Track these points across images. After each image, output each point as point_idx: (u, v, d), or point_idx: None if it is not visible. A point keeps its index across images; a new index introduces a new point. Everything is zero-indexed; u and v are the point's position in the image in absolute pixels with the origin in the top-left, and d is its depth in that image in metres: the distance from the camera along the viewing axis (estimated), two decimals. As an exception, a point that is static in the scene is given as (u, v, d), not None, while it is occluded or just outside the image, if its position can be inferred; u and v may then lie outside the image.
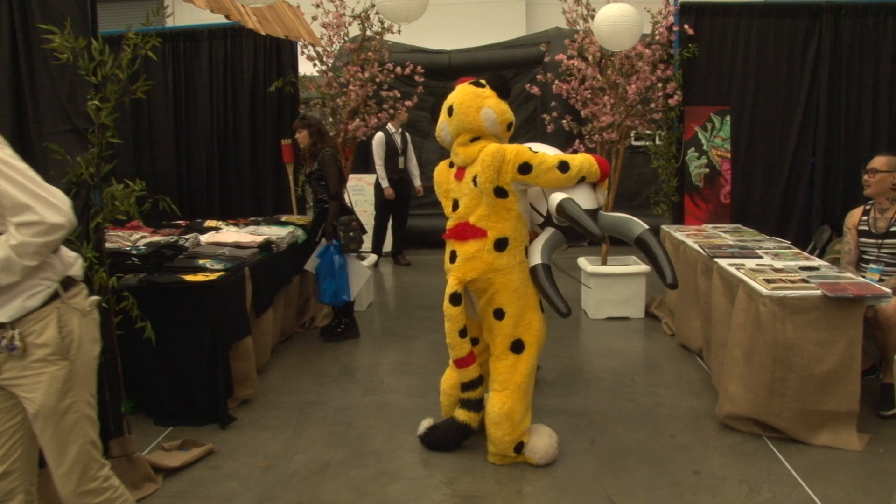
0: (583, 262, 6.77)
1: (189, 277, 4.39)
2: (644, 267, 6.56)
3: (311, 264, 5.93)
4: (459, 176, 3.84)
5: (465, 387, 3.95)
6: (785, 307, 3.77)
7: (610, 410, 4.52)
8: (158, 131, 7.05)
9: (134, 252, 4.62)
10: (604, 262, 6.70)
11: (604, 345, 5.89)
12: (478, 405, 3.96)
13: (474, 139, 3.77)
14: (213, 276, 4.41)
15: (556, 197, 3.68)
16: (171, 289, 4.33)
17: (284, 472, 3.81)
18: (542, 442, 3.86)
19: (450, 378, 4.14)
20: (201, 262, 4.68)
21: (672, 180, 6.74)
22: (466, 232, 3.76)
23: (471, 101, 3.73)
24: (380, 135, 8.68)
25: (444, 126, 3.85)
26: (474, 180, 3.71)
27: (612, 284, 6.53)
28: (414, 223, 9.58)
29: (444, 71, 10.21)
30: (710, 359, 4.91)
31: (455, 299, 3.74)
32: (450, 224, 3.89)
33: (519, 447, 3.81)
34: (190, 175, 7.08)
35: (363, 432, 4.29)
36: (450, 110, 3.80)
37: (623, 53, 6.23)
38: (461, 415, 3.97)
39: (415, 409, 4.58)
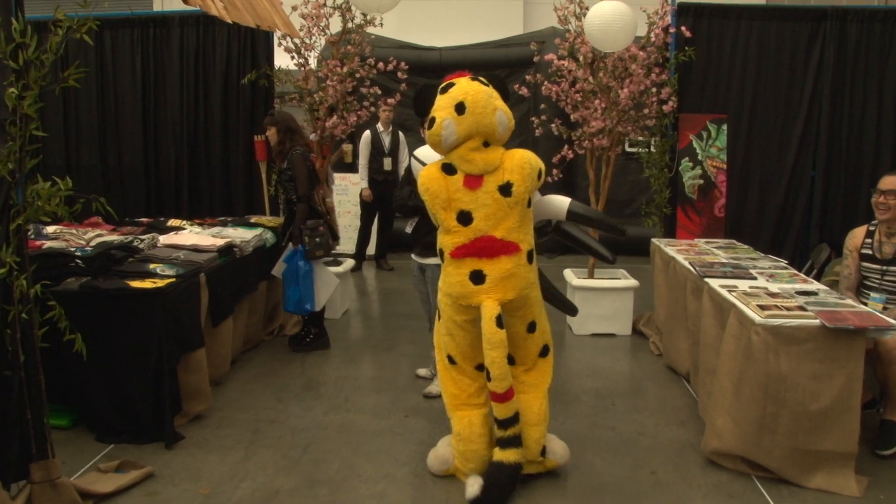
0: (569, 274, 6.44)
1: (135, 284, 4.04)
2: (633, 282, 6.23)
3: (278, 269, 5.59)
4: (473, 185, 3.36)
5: (507, 423, 3.42)
6: (779, 337, 3.43)
7: (587, 439, 4.19)
8: (125, 122, 6.71)
9: (78, 254, 4.26)
10: (590, 276, 6.38)
11: (586, 363, 5.56)
12: (520, 439, 3.48)
13: (485, 144, 3.38)
14: (161, 283, 4.07)
15: (564, 202, 3.71)
16: (115, 295, 4.00)
17: (226, 502, 3.47)
18: (557, 444, 3.75)
19: (474, 422, 3.58)
20: (152, 266, 4.34)
21: (664, 191, 6.40)
22: (495, 248, 3.36)
23: (486, 100, 3.34)
24: (366, 133, 8.43)
25: (448, 125, 3.31)
26: (503, 190, 3.34)
27: (598, 299, 6.20)
28: (400, 226, 9.20)
29: (433, 68, 9.85)
30: (697, 385, 4.58)
31: (500, 322, 3.35)
32: (460, 240, 3.39)
33: (542, 451, 3.64)
34: (158, 169, 6.75)
35: (319, 457, 3.95)
36: (460, 107, 3.31)
37: (616, 55, 5.90)
38: (509, 455, 3.43)
39: (379, 431, 4.25)
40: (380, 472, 3.79)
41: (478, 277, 3.36)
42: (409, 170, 4.95)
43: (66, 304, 3.89)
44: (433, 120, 3.37)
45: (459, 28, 11.32)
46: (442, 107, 3.36)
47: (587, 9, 5.71)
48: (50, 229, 5.11)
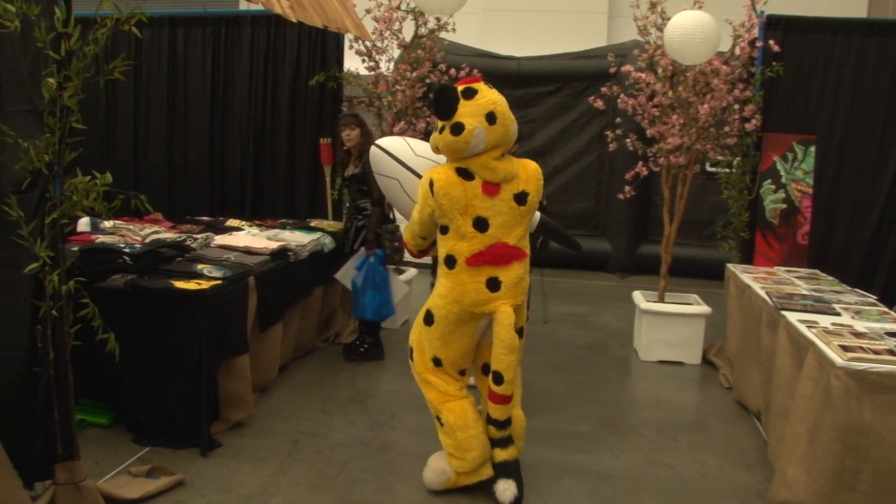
0: (637, 296, 6.11)
1: (179, 284, 3.94)
2: (705, 308, 5.86)
3: (346, 275, 5.42)
4: (492, 192, 3.39)
5: (506, 424, 3.51)
6: (863, 383, 3.07)
7: (643, 478, 3.88)
8: (193, 120, 6.70)
9: (127, 250, 4.19)
10: (661, 299, 6.03)
11: (650, 392, 5.23)
12: (513, 438, 3.59)
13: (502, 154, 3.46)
14: (205, 285, 3.95)
15: (537, 215, 3.78)
16: (158, 295, 3.90)
17: (252, 520, 3.32)
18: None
19: (466, 409, 3.59)
20: (200, 267, 4.24)
21: (743, 214, 6.00)
22: (509, 255, 3.43)
23: (509, 111, 3.43)
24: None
25: (479, 133, 3.30)
26: (518, 199, 3.42)
27: (667, 324, 5.85)
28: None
29: (511, 78, 9.64)
30: (768, 426, 4.21)
31: (520, 331, 3.51)
32: (477, 246, 3.38)
33: None
34: (223, 169, 6.71)
35: (356, 477, 3.76)
36: (491, 117, 3.32)
37: (697, 69, 5.57)
38: (512, 452, 3.54)
39: (422, 453, 4.00)
40: (417, 497, 3.58)
41: (494, 284, 3.39)
42: None
43: (109, 301, 3.89)
44: (460, 126, 3.31)
45: (540, 39, 11.04)
46: (471, 114, 3.31)
47: (668, 18, 5.41)
48: (108, 224, 5.09)
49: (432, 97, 3.44)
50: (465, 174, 3.36)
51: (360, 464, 3.90)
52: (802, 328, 3.66)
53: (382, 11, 6.27)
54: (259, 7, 4.64)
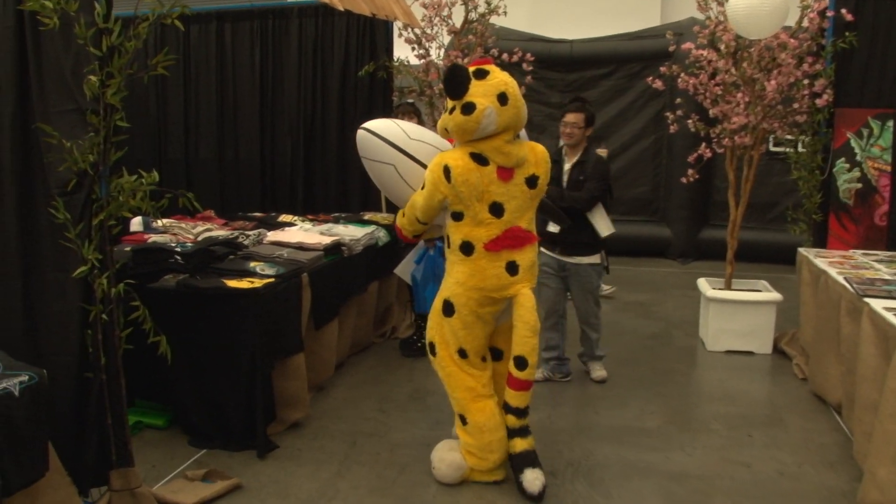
0: (703, 284, 5.86)
1: (231, 283, 3.85)
2: (775, 295, 5.59)
3: (405, 270, 5.27)
4: (506, 177, 3.38)
5: (526, 412, 3.50)
6: (963, 377, 2.83)
7: (717, 477, 3.67)
8: (243, 115, 6.65)
9: (178, 249, 4.12)
10: (727, 286, 5.77)
11: (719, 385, 4.99)
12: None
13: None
14: (258, 284, 3.86)
15: None
16: (210, 294, 3.82)
17: (311, 526, 3.21)
18: None
19: (494, 411, 3.55)
20: (252, 264, 4.15)
21: (815, 195, 5.69)
22: (523, 238, 3.45)
23: (519, 93, 3.41)
24: None
25: (490, 113, 3.26)
26: (529, 182, 3.44)
27: (735, 312, 5.59)
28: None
29: (563, 61, 9.43)
30: (851, 421, 3.95)
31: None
32: (494, 231, 3.37)
33: None
34: (274, 163, 6.66)
35: (416, 479, 3.63)
36: (503, 97, 3.29)
37: (763, 43, 5.28)
38: (532, 442, 3.51)
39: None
40: (481, 500, 3.44)
41: (513, 268, 3.40)
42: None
43: (162, 302, 3.84)
44: (471, 105, 3.26)
45: (592, 21, 10.75)
46: (483, 94, 3.27)
47: (730, -7, 5.15)
48: (160, 222, 5.04)
49: (444, 76, 3.42)
50: (479, 159, 3.32)
51: (420, 465, 3.75)
52: (890, 316, 3.40)
53: (431, -3, 6.12)
54: (306, -1, 4.56)
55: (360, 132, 3.58)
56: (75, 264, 2.93)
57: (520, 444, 3.45)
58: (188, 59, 6.67)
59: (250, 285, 3.83)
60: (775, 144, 8.28)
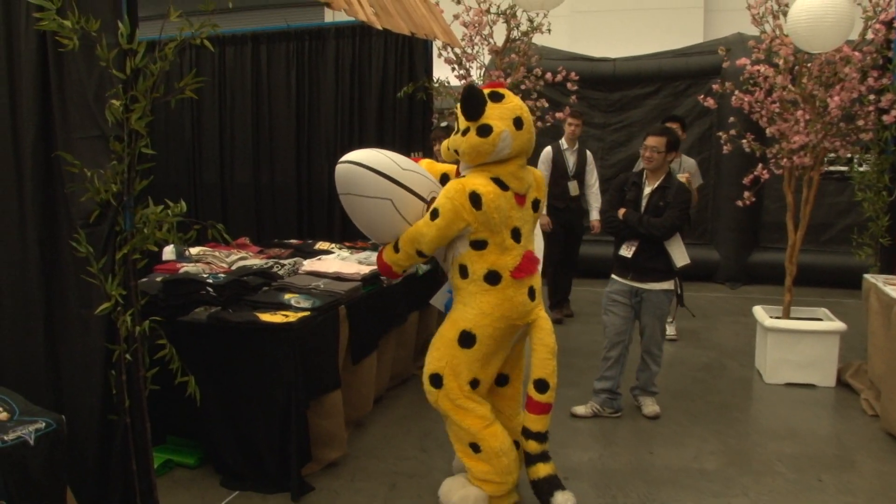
0: (759, 312, 5.55)
1: (265, 316, 3.66)
2: (838, 324, 5.26)
3: (440, 300, 5.05)
4: (521, 202, 3.36)
5: (545, 437, 3.42)
6: None
7: (789, 528, 3.37)
8: (279, 138, 6.51)
9: (210, 281, 3.95)
10: (786, 315, 5.45)
11: (782, 421, 4.67)
12: None
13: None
14: (292, 318, 3.66)
15: None
16: (242, 329, 3.63)
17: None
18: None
19: (504, 432, 3.46)
20: (287, 297, 3.95)
21: (882, 218, 5.36)
22: (536, 261, 3.42)
23: (531, 119, 3.37)
24: (547, 150, 6.78)
25: (506, 137, 3.19)
26: (534, 206, 3.45)
27: (795, 342, 5.27)
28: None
29: (606, 80, 9.17)
30: (934, 466, 3.63)
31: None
32: (517, 258, 3.30)
33: None
34: (310, 187, 6.50)
35: (460, 525, 3.39)
36: (518, 122, 3.24)
37: (823, 58, 4.99)
38: (553, 466, 3.41)
39: (534, 498, 3.59)
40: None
41: (532, 293, 3.38)
42: (618, 187, 4.75)
43: (193, 336, 3.66)
44: (488, 128, 3.18)
45: (633, 39, 10.52)
46: (499, 116, 3.20)
47: (786, 5, 4.88)
48: (193, 251, 4.89)
49: (460, 97, 3.26)
50: (501, 185, 3.26)
51: (464, 510, 3.51)
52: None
53: (472, 16, 5.93)
54: (344, 18, 4.38)
55: (346, 166, 3.25)
56: (99, 300, 2.75)
57: (543, 470, 3.36)
58: (223, 82, 6.56)
59: (285, 319, 3.63)
60: (830, 163, 7.91)
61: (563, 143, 6.82)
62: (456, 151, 3.33)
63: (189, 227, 2.87)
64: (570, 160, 6.79)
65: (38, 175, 2.89)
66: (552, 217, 6.69)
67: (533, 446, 3.35)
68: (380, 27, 4.43)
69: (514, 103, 3.26)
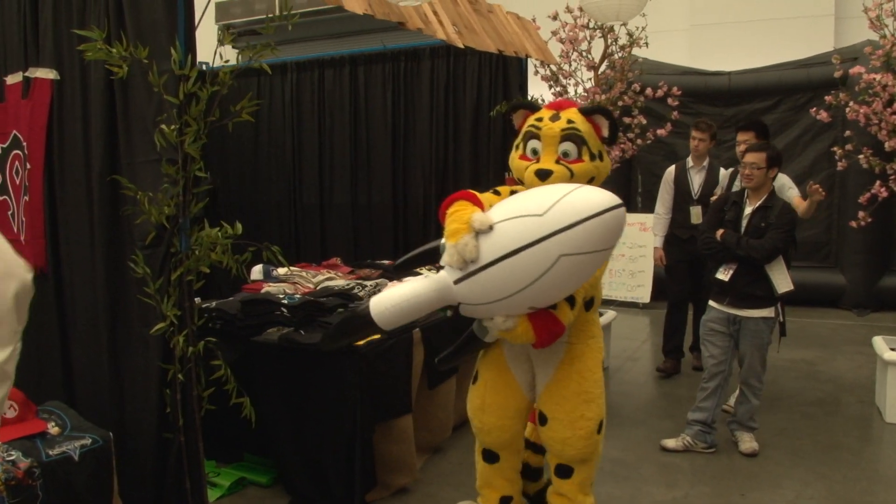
0: (879, 343, 5.07)
1: (334, 338, 3.63)
2: (969, 357, 4.73)
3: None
4: None
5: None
6: None
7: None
8: (376, 159, 6.55)
9: (285, 301, 3.97)
10: (909, 346, 4.96)
11: (899, 466, 4.24)
12: None
13: None
14: (361, 341, 3.61)
15: None
16: (311, 351, 3.62)
17: None
18: None
19: None
20: (360, 318, 3.91)
21: None
22: None
23: None
24: (669, 170, 6.04)
25: None
26: None
27: (920, 376, 4.78)
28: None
29: (722, 95, 8.78)
30: None
31: None
32: None
33: None
34: (406, 208, 6.49)
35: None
36: None
37: (951, 64, 4.56)
38: None
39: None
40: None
41: None
42: (718, 207, 4.48)
43: (265, 356, 3.69)
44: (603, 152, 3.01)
45: (760, 50, 9.97)
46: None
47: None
48: (281, 271, 4.95)
49: (608, 119, 2.93)
50: None
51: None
52: None
53: (567, 31, 5.78)
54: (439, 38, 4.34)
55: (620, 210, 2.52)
56: (157, 320, 2.80)
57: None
58: (323, 104, 6.68)
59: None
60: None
61: (689, 160, 5.91)
62: (592, 178, 2.91)
63: (244, 249, 2.88)
64: (696, 181, 5.82)
65: (105, 198, 3.00)
66: (674, 248, 5.91)
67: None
68: (461, 45, 4.37)
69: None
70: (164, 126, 2.64)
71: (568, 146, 2.86)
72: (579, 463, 3.07)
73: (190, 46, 2.75)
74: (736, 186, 5.15)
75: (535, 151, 2.93)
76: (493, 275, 2.54)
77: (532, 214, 2.51)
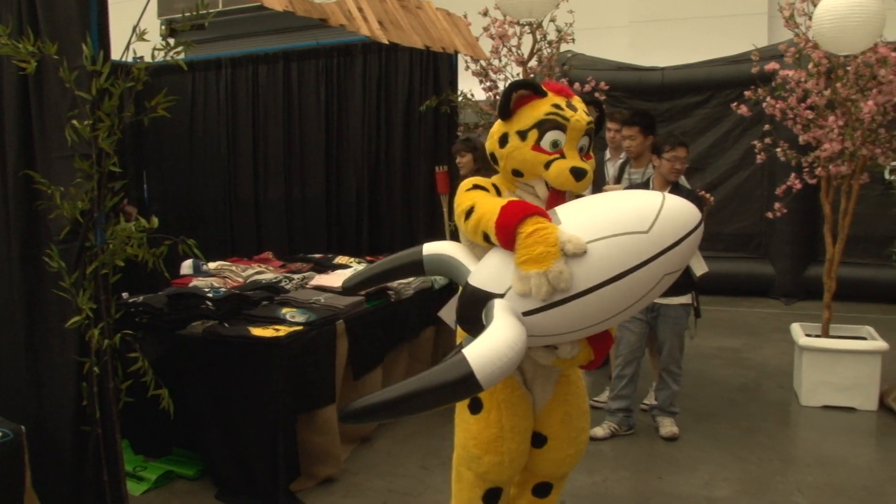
0: (796, 329, 5.28)
1: (256, 331, 3.68)
2: (881, 343, 4.97)
3: (449, 313, 4.96)
4: None
5: None
6: None
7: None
8: (309, 154, 6.59)
9: (210, 295, 3.99)
10: (825, 333, 5.17)
11: (811, 448, 4.42)
12: None
13: None
14: (282, 332, 3.66)
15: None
16: (233, 343, 3.65)
17: None
18: None
19: None
20: (284, 311, 3.96)
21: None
22: None
23: None
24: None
25: None
26: None
27: (834, 363, 4.99)
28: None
29: (655, 90, 8.95)
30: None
31: None
32: None
33: None
34: (339, 202, 6.54)
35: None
36: None
37: (860, 59, 4.74)
38: None
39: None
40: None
41: None
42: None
43: (190, 350, 3.73)
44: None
45: (696, 47, 10.16)
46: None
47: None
48: (212, 265, 4.97)
49: (599, 114, 2.75)
50: None
51: (450, 530, 3.43)
52: None
53: (497, 27, 5.87)
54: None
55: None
56: (73, 314, 2.81)
57: None
58: (257, 100, 6.69)
59: (275, 333, 3.65)
60: (892, 173, 7.52)
61: (607, 153, 5.80)
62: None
63: (160, 243, 2.90)
64: (610, 173, 5.72)
65: (20, 193, 2.99)
66: None
67: None
68: (385, 41, 4.43)
69: None
70: (75, 122, 2.65)
71: (585, 141, 2.48)
72: (560, 478, 2.92)
73: (104, 42, 2.77)
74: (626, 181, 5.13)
75: (556, 144, 2.40)
76: (586, 303, 2.15)
77: (636, 231, 2.13)
